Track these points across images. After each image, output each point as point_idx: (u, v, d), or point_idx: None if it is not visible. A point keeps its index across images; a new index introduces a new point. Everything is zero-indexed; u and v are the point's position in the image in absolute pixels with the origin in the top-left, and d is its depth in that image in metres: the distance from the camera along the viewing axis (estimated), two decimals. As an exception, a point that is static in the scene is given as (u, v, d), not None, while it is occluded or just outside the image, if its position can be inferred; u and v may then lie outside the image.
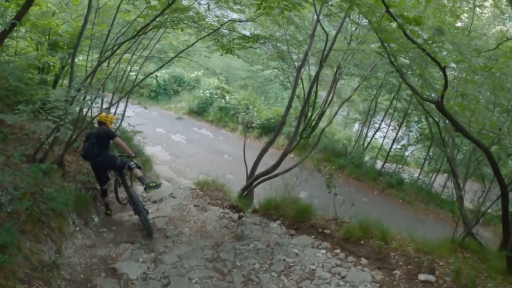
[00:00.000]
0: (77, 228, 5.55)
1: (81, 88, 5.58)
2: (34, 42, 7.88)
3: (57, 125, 5.16)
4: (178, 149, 13.40)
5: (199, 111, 16.65)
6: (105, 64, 7.86)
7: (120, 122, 9.03)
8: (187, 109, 16.92)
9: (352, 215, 6.82)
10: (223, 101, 16.57)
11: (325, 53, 7.62)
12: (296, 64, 10.78)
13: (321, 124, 15.56)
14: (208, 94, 16.68)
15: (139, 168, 6.16)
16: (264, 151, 9.09)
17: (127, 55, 7.98)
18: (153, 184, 6.02)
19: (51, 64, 8.01)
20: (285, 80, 15.05)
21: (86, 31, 5.91)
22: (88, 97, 5.79)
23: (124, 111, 9.10)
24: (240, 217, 6.92)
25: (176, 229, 6.35)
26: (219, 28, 6.47)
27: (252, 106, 16.26)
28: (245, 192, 8.66)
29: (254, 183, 8.65)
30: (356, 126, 21.68)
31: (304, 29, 9.56)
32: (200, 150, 13.67)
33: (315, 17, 7.44)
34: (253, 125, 15.79)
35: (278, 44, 9.04)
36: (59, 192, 4.83)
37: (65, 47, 7.75)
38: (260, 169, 8.80)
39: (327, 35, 7.35)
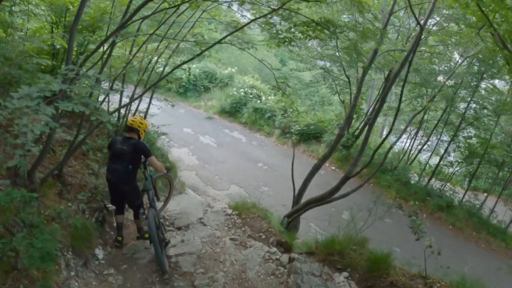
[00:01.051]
0: (72, 273, 3.92)
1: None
2: (48, 23, 6.66)
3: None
4: (206, 153, 11.79)
5: (232, 111, 14.99)
6: (126, 52, 6.35)
7: (144, 117, 7.46)
8: (218, 108, 15.30)
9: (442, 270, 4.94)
10: (258, 101, 14.84)
11: (413, 49, 5.71)
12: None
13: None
14: (242, 93, 15.00)
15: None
16: (316, 168, 7.28)
17: (153, 44, 6.44)
18: (146, 236, 4.68)
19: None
20: (335, 83, 13.14)
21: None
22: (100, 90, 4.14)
23: (148, 107, 7.49)
24: (291, 260, 5.15)
25: (206, 273, 4.64)
26: (283, 6, 4.69)
27: (291, 110, 14.44)
28: (291, 219, 6.87)
29: (304, 209, 6.85)
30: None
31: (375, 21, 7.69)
32: (231, 156, 12.01)
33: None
34: (291, 130, 13.98)
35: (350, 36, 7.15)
36: (40, 232, 3.17)
37: (84, 31, 6.34)
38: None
39: (422, 28, 5.43)
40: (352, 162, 6.58)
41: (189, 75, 11.51)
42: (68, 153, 4.53)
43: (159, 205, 5.41)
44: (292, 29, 5.19)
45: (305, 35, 5.28)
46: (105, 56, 4.33)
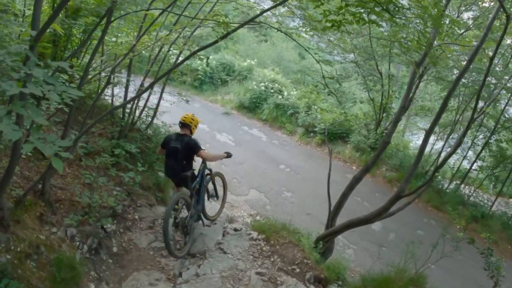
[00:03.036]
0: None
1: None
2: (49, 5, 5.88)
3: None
4: (223, 152, 10.70)
5: (251, 107, 13.84)
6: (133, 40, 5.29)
7: (153, 116, 6.40)
8: (237, 103, 14.16)
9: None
10: (280, 97, 13.65)
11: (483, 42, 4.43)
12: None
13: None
14: (262, 88, 13.82)
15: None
16: (356, 180, 6.09)
17: (165, 31, 5.37)
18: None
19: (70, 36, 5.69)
20: (365, 79, 11.84)
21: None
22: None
23: (158, 103, 6.42)
24: (333, 305, 4.04)
25: (227, 322, 3.57)
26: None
27: (315, 107, 13.24)
28: (325, 241, 5.73)
29: (341, 231, 5.71)
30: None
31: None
32: (250, 156, 10.93)
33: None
34: (315, 129, 12.79)
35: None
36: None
37: (89, 16, 5.32)
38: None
39: (509, 17, 4.13)
40: (405, 178, 5.38)
41: (207, 65, 10.26)
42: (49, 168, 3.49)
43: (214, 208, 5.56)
44: (344, 10, 3.97)
45: (357, 18, 4.06)
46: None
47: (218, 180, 5.58)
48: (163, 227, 4.11)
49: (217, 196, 5.48)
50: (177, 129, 7.08)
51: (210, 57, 16.49)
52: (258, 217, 8.50)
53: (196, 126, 4.82)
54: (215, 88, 15.75)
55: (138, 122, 6.12)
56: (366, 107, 13.94)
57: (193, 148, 4.57)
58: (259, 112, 13.65)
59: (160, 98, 6.36)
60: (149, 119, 6.37)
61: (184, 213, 4.67)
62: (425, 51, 5.36)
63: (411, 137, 19.49)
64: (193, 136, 4.79)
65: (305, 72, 26.89)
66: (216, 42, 3.20)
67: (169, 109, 7.49)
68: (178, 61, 6.22)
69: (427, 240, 9.86)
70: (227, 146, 11.22)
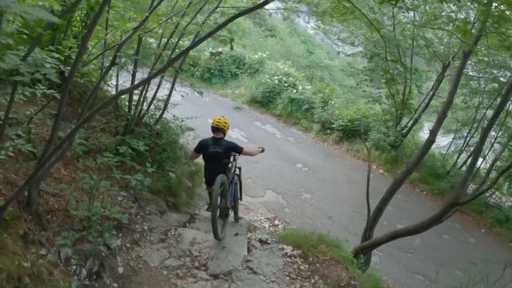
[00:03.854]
0: None
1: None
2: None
3: None
4: (236, 150, 9.91)
5: (264, 101, 12.98)
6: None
7: (163, 109, 5.57)
8: (248, 97, 13.31)
9: None
10: (294, 91, 12.79)
11: None
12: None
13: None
14: (276, 81, 12.96)
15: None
16: (398, 184, 5.26)
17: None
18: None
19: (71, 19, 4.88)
20: (396, 71, 10.96)
21: None
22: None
23: (169, 95, 5.59)
24: None
25: None
26: None
27: (332, 102, 12.39)
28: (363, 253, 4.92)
29: (385, 242, 4.88)
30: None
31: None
32: (265, 154, 10.02)
33: None
34: (333, 126, 11.94)
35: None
36: None
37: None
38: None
39: None
40: (460, 184, 4.57)
41: (231, 49, 9.51)
42: (44, 160, 2.68)
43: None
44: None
45: None
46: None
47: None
48: (211, 210, 4.14)
49: (241, 198, 5.48)
50: (190, 123, 6.36)
51: (219, 49, 15.63)
52: (276, 221, 7.77)
53: (228, 128, 4.90)
54: (225, 81, 14.91)
55: (146, 115, 5.31)
56: (377, 105, 13.00)
57: (235, 149, 4.79)
58: (272, 107, 12.80)
59: (172, 88, 5.53)
60: (158, 112, 5.55)
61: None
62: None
63: (424, 135, 18.61)
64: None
65: (313, 67, 26.05)
66: (224, 25, 2.39)
67: (180, 102, 6.70)
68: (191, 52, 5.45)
69: (453, 246, 9.10)
70: (239, 143, 10.37)
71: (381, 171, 11.39)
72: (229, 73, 14.99)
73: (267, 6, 2.41)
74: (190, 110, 11.08)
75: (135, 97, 5.18)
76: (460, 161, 12.40)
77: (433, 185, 11.23)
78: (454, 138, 14.12)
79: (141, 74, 5.14)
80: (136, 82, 5.03)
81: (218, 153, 4.68)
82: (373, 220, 5.26)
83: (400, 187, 5.24)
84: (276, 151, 10.50)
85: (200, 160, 7.20)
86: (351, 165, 11.14)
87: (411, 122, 12.23)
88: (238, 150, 4.81)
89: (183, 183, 5.53)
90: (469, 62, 10.91)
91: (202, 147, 4.83)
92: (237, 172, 5.24)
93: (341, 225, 8.32)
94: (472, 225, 10.38)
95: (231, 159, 4.92)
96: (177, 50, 6.01)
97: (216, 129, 4.79)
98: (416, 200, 10.64)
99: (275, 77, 13.07)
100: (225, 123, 4.84)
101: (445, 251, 8.53)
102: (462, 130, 13.40)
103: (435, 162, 11.96)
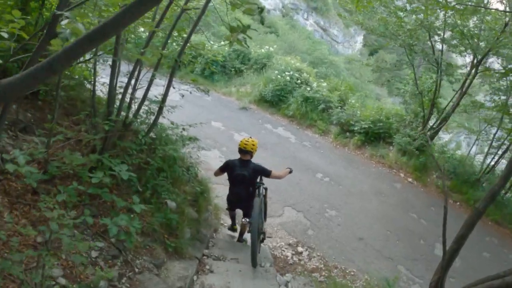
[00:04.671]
0: None
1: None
2: None
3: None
4: (245, 158, 8.45)
5: (274, 101, 11.46)
6: None
7: (156, 116, 4.05)
8: (256, 96, 11.79)
9: None
10: (308, 89, 11.30)
11: None
12: None
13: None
14: (287, 78, 11.45)
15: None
16: (478, 216, 3.74)
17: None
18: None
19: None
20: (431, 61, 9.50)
21: None
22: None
23: (165, 95, 4.03)
24: None
25: None
26: None
27: (353, 101, 10.93)
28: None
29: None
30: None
31: None
32: (279, 162, 8.64)
33: None
34: (354, 128, 10.49)
35: None
36: None
37: None
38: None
39: None
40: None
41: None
42: None
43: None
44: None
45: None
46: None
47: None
48: (251, 237, 4.22)
49: (265, 218, 5.31)
50: (193, 132, 4.95)
51: (221, 42, 14.12)
52: (300, 248, 6.39)
53: (256, 150, 4.78)
54: (229, 78, 13.39)
55: (134, 122, 3.81)
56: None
57: (263, 173, 4.71)
58: (284, 107, 11.28)
59: (169, 85, 4.01)
60: (151, 117, 4.05)
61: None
62: None
63: (444, 136, 17.21)
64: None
65: (317, 63, 24.60)
66: None
67: (179, 102, 5.17)
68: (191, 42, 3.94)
69: (494, 265, 7.81)
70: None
71: (409, 179, 9.98)
72: (232, 69, 13.47)
73: None
74: (191, 112, 9.60)
75: (118, 96, 3.69)
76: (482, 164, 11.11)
77: (467, 194, 9.91)
78: (477, 139, 12.80)
79: (126, 67, 3.67)
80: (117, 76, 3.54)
81: (245, 176, 4.59)
82: (447, 264, 3.79)
83: (476, 222, 3.77)
84: (292, 159, 9.03)
85: (205, 177, 5.82)
86: (377, 173, 9.71)
87: (437, 122, 10.83)
88: (266, 174, 4.69)
89: (186, 214, 4.06)
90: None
91: (228, 168, 4.73)
92: (263, 192, 5.01)
93: (374, 248, 6.95)
94: (509, 238, 9.08)
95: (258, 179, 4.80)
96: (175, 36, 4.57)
97: (243, 151, 4.65)
98: (451, 213, 9.11)
99: (286, 73, 11.57)
100: (253, 145, 4.71)
101: (487, 272, 7.26)
102: (487, 130, 12.09)
103: (466, 168, 10.60)
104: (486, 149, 11.89)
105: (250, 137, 4.87)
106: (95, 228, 2.97)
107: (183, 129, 4.42)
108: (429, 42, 9.30)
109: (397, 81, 13.69)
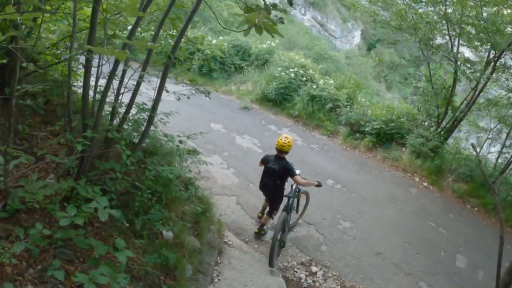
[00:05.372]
0: None
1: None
2: None
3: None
4: (248, 163, 7.80)
5: (278, 100, 10.66)
6: None
7: (146, 127, 3.27)
8: (258, 94, 11.00)
9: None
10: (314, 86, 10.54)
11: None
12: None
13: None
14: (292, 75, 10.67)
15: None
16: None
17: None
18: (263, 232, 5.84)
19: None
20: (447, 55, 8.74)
21: None
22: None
23: (156, 100, 3.24)
24: None
25: None
26: None
27: (363, 99, 10.19)
28: None
29: None
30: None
31: None
32: (286, 169, 7.90)
33: None
34: (364, 129, 9.75)
35: None
36: None
37: None
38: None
39: None
40: None
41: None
42: None
43: (294, 217, 6.01)
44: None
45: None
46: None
47: (302, 197, 6.11)
48: (272, 244, 4.88)
49: (297, 210, 6.01)
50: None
51: (220, 38, 13.32)
52: (314, 268, 5.73)
53: (291, 148, 5.25)
54: (228, 76, 12.58)
55: (118, 137, 3.03)
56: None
57: (289, 172, 5.12)
58: (288, 107, 10.49)
59: (162, 87, 3.24)
60: (142, 128, 3.28)
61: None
62: None
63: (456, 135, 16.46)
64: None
65: (318, 59, 23.82)
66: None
67: (175, 104, 4.39)
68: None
69: None
70: (252, 154, 8.19)
71: (425, 184, 9.28)
72: (232, 66, 12.65)
73: None
74: (188, 113, 8.82)
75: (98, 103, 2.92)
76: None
77: (485, 199, 9.21)
78: (488, 138, 12.09)
79: (107, 68, 2.90)
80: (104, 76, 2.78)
81: (274, 170, 5.13)
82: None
83: None
84: (299, 163, 8.26)
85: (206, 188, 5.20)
86: (391, 178, 8.99)
87: (450, 122, 10.11)
88: (291, 174, 5.12)
89: (186, 245, 3.32)
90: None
91: (265, 161, 5.32)
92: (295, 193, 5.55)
93: (393, 262, 6.30)
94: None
95: (294, 188, 5.46)
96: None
97: (280, 151, 5.15)
98: (470, 219, 8.56)
99: (290, 69, 10.78)
100: (289, 146, 5.16)
101: None
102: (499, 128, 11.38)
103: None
104: (499, 149, 11.22)
105: (286, 137, 5.17)
106: (69, 283, 2.23)
107: (180, 141, 3.64)
108: (447, 37, 8.55)
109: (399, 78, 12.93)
